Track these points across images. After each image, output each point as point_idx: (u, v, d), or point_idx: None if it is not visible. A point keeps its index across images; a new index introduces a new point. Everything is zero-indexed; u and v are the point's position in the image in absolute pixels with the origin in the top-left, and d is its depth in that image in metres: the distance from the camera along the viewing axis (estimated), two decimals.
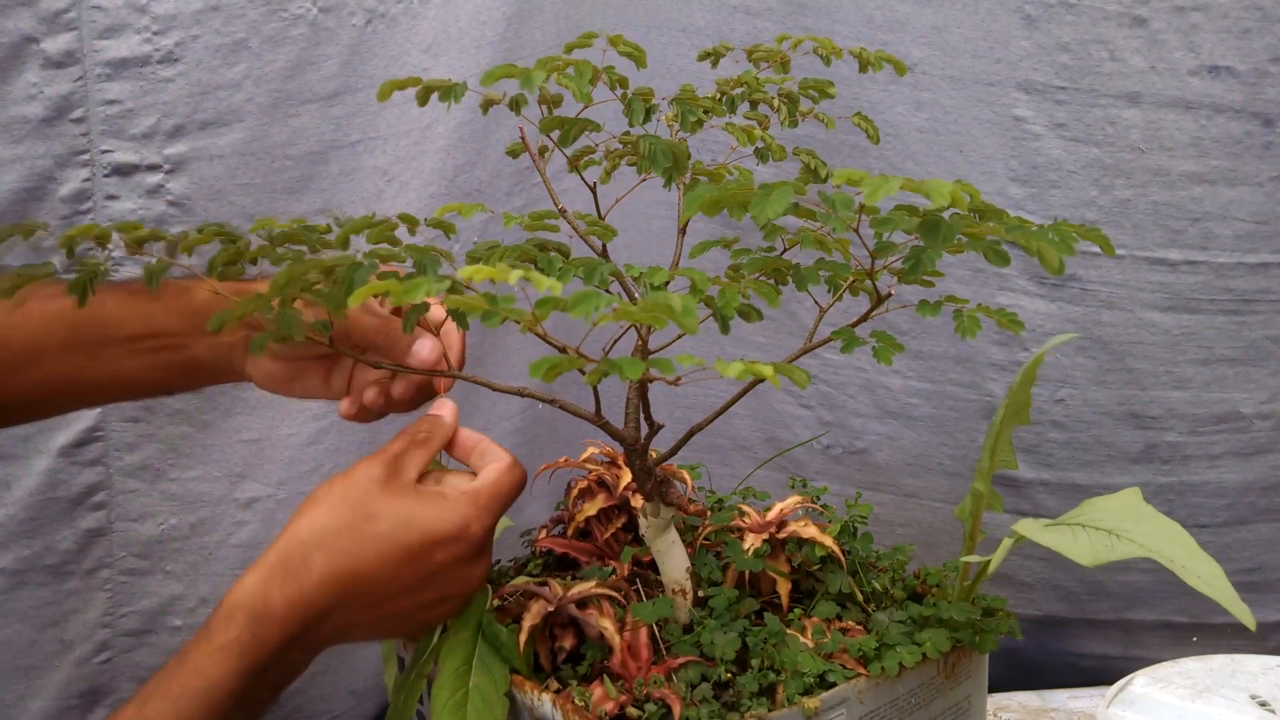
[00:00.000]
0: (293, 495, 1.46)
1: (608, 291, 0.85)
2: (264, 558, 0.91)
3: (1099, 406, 1.53)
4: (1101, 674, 1.50)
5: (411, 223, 1.01)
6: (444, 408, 1.02)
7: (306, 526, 0.91)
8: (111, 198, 1.29)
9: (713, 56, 1.13)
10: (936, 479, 1.62)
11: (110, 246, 0.91)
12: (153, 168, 1.30)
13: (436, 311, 1.02)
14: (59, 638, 1.38)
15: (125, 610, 1.42)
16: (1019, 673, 1.55)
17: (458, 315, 0.90)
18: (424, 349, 1.02)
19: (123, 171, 1.29)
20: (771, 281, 0.93)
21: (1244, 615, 0.91)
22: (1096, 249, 0.88)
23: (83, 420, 1.35)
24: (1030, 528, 0.98)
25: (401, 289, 0.82)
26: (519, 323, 0.84)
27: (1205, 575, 0.91)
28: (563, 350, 0.90)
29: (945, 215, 0.83)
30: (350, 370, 1.06)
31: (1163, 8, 1.37)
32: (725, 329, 0.92)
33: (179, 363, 1.04)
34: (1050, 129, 1.43)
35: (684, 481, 1.18)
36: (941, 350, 1.55)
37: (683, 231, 1.05)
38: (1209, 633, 1.62)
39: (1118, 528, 0.97)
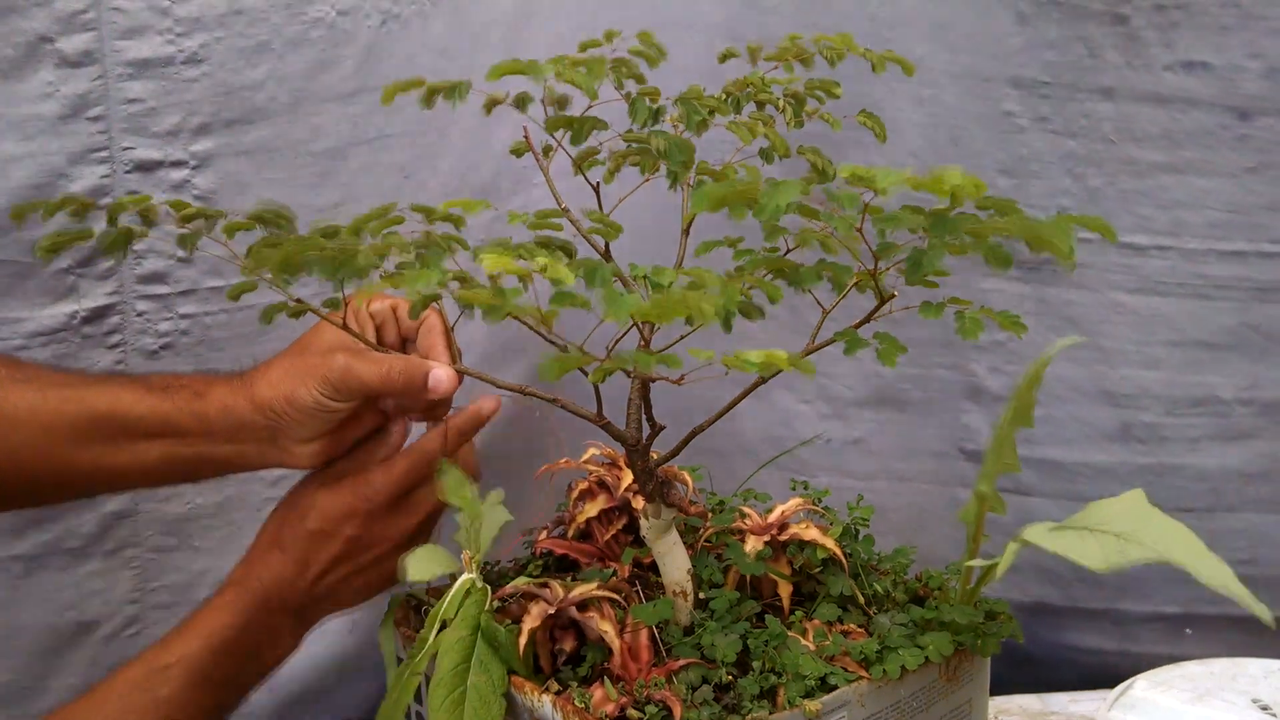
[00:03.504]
0: None
1: None
2: (249, 548, 1.04)
3: (1071, 383, 1.51)
4: (1097, 669, 1.46)
5: (429, 213, 0.94)
6: (394, 432, 1.05)
7: (270, 530, 1.04)
8: (132, 194, 1.21)
9: (742, 56, 1.05)
10: (925, 460, 1.58)
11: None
12: (177, 164, 1.26)
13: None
14: (77, 619, 1.33)
15: (154, 585, 1.37)
16: (1011, 667, 1.49)
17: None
18: (441, 381, 0.98)
19: (145, 168, 1.24)
20: (777, 282, 0.87)
21: (1261, 612, 0.83)
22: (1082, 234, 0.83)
23: None
24: (1038, 534, 0.91)
25: (406, 279, 0.78)
26: (520, 319, 0.79)
27: (1218, 576, 0.84)
28: (563, 349, 0.84)
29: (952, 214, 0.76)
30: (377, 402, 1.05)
31: (1145, 6, 1.35)
32: (728, 328, 0.86)
33: (197, 459, 1.02)
34: (1034, 122, 1.42)
35: (685, 483, 1.12)
36: (927, 335, 1.49)
37: (686, 232, 0.99)
38: (1202, 624, 1.56)
39: (1125, 530, 0.90)
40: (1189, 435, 1.50)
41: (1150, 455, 1.51)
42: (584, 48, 0.96)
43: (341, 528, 1.00)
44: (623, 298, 0.72)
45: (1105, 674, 1.20)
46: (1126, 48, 1.36)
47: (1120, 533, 0.90)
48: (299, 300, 0.88)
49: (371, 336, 1.01)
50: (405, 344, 1.02)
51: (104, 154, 1.21)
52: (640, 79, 0.98)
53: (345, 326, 0.92)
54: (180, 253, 1.25)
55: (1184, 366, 1.48)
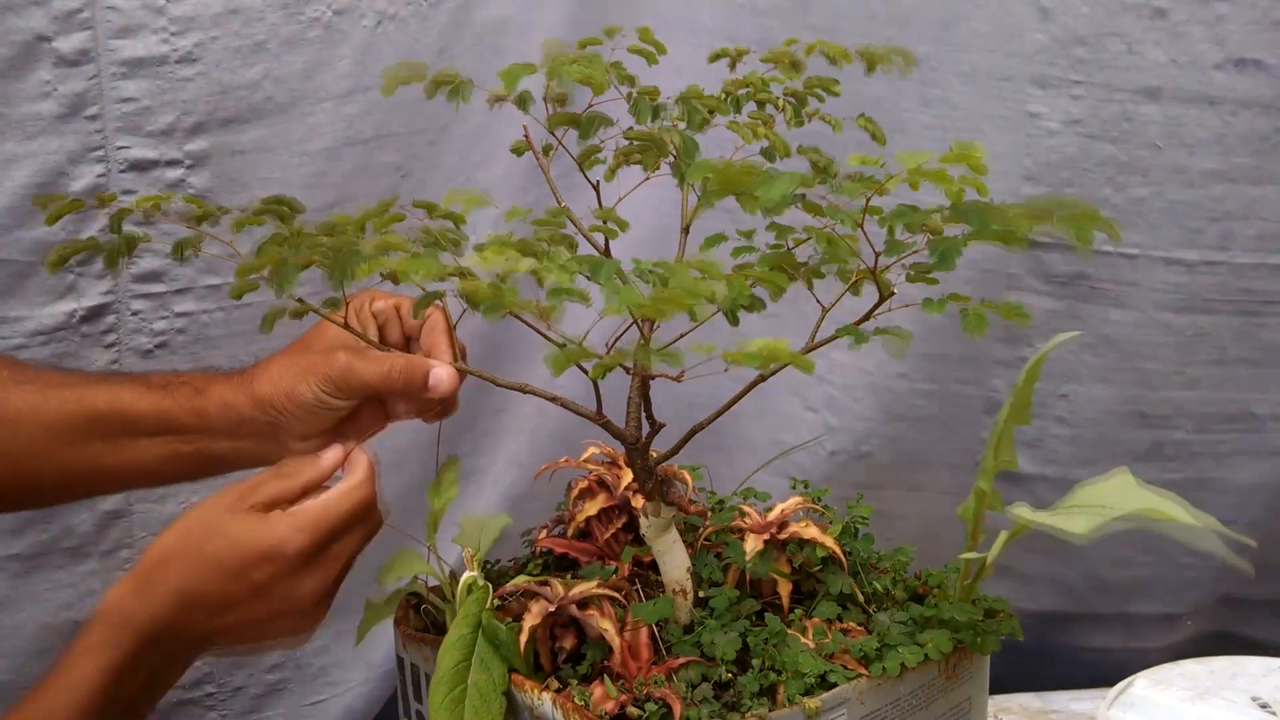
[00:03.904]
0: None
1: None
2: (132, 569, 0.92)
3: (1104, 405, 1.44)
4: (1100, 667, 1.43)
5: (431, 209, 0.95)
6: (329, 453, 0.95)
7: (162, 545, 0.91)
8: (128, 193, 1.23)
9: (730, 58, 1.05)
10: (939, 473, 1.53)
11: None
12: (172, 163, 1.25)
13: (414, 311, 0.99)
14: (74, 619, 1.31)
15: None
16: (1019, 668, 1.48)
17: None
18: (442, 380, 0.96)
19: (140, 167, 1.24)
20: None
21: (1240, 565, 0.82)
22: (1109, 247, 0.81)
23: None
24: (1024, 511, 0.90)
25: (403, 266, 0.78)
26: (519, 317, 0.78)
27: (1202, 521, 0.84)
28: (563, 346, 0.84)
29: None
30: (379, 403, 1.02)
31: None
32: (734, 320, 0.86)
33: (197, 456, 1.00)
34: (1065, 125, 1.33)
35: (685, 482, 1.11)
36: (946, 349, 1.45)
37: (686, 231, 0.98)
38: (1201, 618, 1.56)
39: (1111, 503, 0.89)
40: (1218, 451, 1.45)
41: (1178, 472, 1.46)
42: (583, 45, 0.96)
43: (253, 570, 0.89)
44: (622, 290, 0.72)
45: (1107, 669, 1.18)
46: (1170, 44, 1.28)
47: (1107, 505, 0.89)
48: (300, 300, 0.87)
49: (374, 335, 1.00)
50: (409, 342, 1.02)
51: (100, 153, 1.21)
52: (633, 81, 0.97)
53: (347, 326, 0.91)
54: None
55: (1222, 384, 1.41)
